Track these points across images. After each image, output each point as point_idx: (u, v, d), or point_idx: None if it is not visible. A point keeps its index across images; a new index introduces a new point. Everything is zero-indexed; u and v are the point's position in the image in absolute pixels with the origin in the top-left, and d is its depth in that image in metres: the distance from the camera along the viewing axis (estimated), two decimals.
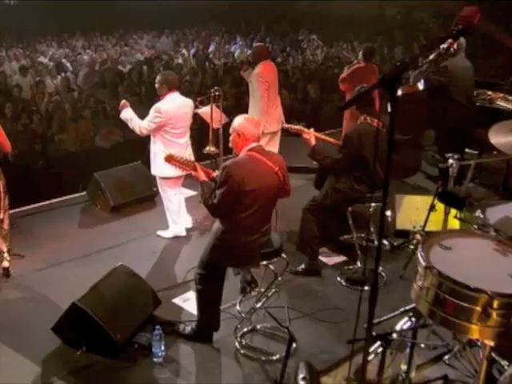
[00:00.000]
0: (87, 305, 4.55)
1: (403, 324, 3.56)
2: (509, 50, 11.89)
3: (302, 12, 22.80)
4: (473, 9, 3.36)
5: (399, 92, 7.63)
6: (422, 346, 4.06)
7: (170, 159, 4.61)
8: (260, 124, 4.52)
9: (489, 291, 2.59)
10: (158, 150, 6.20)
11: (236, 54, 16.77)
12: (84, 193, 7.68)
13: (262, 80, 7.42)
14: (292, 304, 5.24)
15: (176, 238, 6.60)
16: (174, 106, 6.14)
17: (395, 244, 6.16)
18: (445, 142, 7.07)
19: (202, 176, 4.47)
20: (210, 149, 7.45)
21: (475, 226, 3.32)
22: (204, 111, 7.63)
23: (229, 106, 10.83)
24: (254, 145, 4.32)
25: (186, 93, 11.12)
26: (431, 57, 7.24)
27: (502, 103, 8.27)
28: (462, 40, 6.94)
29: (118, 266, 5.07)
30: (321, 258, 5.98)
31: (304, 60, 15.39)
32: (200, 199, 4.82)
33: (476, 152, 7.56)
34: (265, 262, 4.51)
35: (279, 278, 4.75)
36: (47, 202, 7.47)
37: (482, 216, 3.28)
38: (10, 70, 14.24)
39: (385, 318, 3.36)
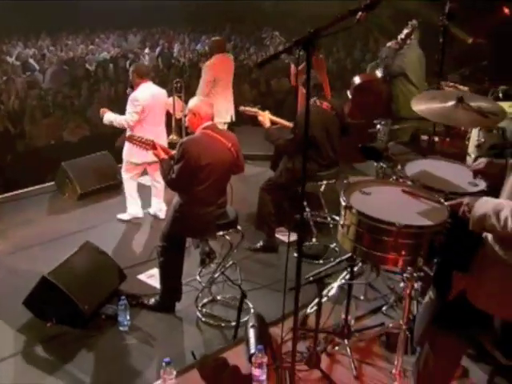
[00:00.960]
0: (56, 278, 4.84)
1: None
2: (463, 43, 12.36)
3: (266, 12, 23.08)
4: None
5: (357, 80, 8.05)
6: (362, 298, 4.47)
7: (131, 139, 4.94)
8: (213, 105, 4.85)
9: (397, 223, 3.00)
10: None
11: (200, 51, 17.07)
12: (52, 183, 7.93)
13: (207, 71, 7.83)
14: (250, 277, 5.56)
15: (138, 220, 6.94)
16: (149, 94, 6.48)
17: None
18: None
19: (162, 154, 4.80)
20: (173, 137, 7.74)
21: (394, 177, 3.73)
22: (167, 102, 7.93)
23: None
24: (208, 123, 4.69)
25: None
26: (389, 44, 7.68)
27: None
28: (418, 31, 7.39)
29: (85, 244, 5.37)
30: (278, 236, 6.31)
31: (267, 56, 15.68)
32: None
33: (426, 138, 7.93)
34: (221, 233, 4.86)
35: (235, 251, 5.09)
36: (16, 192, 7.67)
37: (401, 169, 3.70)
38: None
39: (323, 268, 3.73)
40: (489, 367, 3.66)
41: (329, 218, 6.15)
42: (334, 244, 6.08)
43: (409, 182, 3.56)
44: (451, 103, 3.53)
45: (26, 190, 7.82)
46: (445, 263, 2.97)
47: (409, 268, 3.19)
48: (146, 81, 6.52)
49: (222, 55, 8.00)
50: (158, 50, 17.04)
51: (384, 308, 4.42)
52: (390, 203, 3.31)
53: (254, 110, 5.99)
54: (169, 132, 8.04)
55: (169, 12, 23.57)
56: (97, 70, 13.42)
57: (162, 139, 6.67)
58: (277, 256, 6.06)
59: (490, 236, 2.76)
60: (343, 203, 3.23)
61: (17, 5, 20.08)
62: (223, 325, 4.91)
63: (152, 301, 5.15)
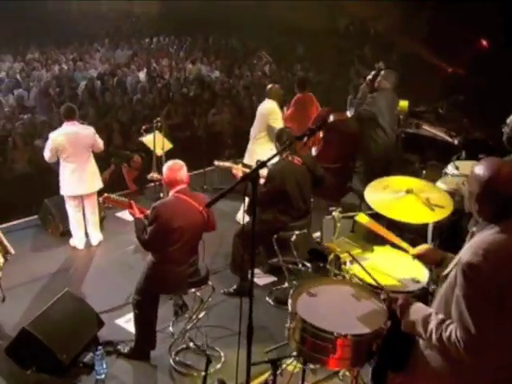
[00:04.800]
0: (36, 329, 5.06)
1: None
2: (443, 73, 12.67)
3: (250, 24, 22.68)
4: (326, 110, 3.90)
5: (330, 118, 8.33)
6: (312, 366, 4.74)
7: (107, 199, 5.17)
8: (181, 168, 5.07)
9: (335, 333, 3.26)
10: (60, 173, 7.21)
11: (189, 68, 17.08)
12: (36, 216, 8.21)
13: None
14: (223, 323, 5.80)
15: (118, 259, 7.24)
16: (64, 133, 7.06)
17: (321, 265, 6.77)
18: (370, 167, 7.67)
19: (137, 213, 5.05)
20: (154, 175, 8.07)
21: (342, 274, 3.94)
22: (148, 139, 8.18)
23: (177, 124, 11.38)
24: (179, 187, 4.96)
25: (137, 113, 11.62)
26: (362, 87, 7.91)
27: (427, 128, 9.03)
28: (394, 77, 7.61)
29: (65, 292, 5.58)
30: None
31: (253, 78, 15.72)
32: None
33: None
34: (193, 290, 5.12)
35: (205, 305, 5.33)
36: (2, 226, 7.79)
37: (349, 265, 3.92)
38: None
39: (277, 345, 3.98)
40: None
41: (300, 264, 6.40)
42: None
43: (355, 279, 3.80)
44: (401, 194, 3.75)
45: (9, 224, 8.05)
46: (381, 362, 3.23)
47: None
48: (68, 120, 7.10)
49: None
50: (144, 67, 17.04)
51: (340, 374, 4.67)
52: (334, 306, 3.57)
53: (228, 164, 6.26)
54: (150, 169, 8.37)
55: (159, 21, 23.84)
56: (83, 91, 13.43)
57: (84, 175, 7.25)
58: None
59: (421, 339, 3.02)
60: (289, 309, 3.49)
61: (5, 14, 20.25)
62: (195, 374, 5.14)
63: (127, 348, 5.38)
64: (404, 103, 7.14)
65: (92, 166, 7.35)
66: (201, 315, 5.40)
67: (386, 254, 4.14)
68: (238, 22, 22.29)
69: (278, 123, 7.92)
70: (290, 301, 3.54)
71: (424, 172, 8.71)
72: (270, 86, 8.52)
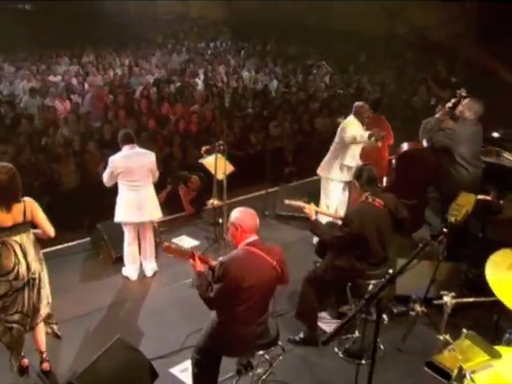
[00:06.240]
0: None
1: None
2: None
3: (310, 30, 21.95)
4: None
5: (404, 148, 7.65)
6: None
7: (168, 249, 4.58)
8: (256, 216, 4.48)
9: None
10: (118, 197, 6.79)
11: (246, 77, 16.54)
12: (88, 239, 7.82)
13: None
14: (289, 378, 5.25)
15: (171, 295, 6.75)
16: (124, 156, 6.69)
17: (395, 311, 6.15)
18: (446, 201, 6.99)
19: (199, 266, 4.45)
20: (214, 202, 7.53)
21: None
22: (208, 161, 7.65)
23: (234, 141, 10.82)
24: (252, 239, 4.34)
25: (195, 130, 11.08)
26: (437, 115, 7.23)
27: (508, 156, 8.28)
28: (478, 107, 6.89)
29: (116, 340, 5.06)
30: (320, 324, 5.95)
31: (314, 89, 14.98)
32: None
33: None
34: (261, 352, 4.55)
35: (273, 365, 4.77)
36: (53, 248, 7.34)
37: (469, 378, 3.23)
38: (20, 90, 14.26)
39: None
40: None
41: (374, 314, 5.79)
42: (378, 339, 5.72)
43: None
44: None
45: (61, 246, 7.65)
46: None
47: None
48: (127, 144, 6.73)
49: None
50: (201, 74, 16.57)
51: None
52: None
53: (299, 203, 5.69)
54: (209, 191, 7.85)
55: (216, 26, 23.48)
56: (140, 101, 12.96)
57: (144, 202, 6.81)
58: (317, 351, 5.68)
59: None
60: None
61: (65, 15, 20.23)
62: None
63: None
64: None
65: (153, 193, 6.92)
66: (265, 376, 4.83)
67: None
68: (298, 28, 21.67)
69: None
70: None
71: (501, 202, 8.00)
72: (357, 103, 7.73)
